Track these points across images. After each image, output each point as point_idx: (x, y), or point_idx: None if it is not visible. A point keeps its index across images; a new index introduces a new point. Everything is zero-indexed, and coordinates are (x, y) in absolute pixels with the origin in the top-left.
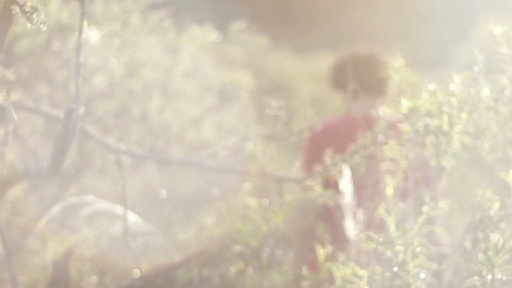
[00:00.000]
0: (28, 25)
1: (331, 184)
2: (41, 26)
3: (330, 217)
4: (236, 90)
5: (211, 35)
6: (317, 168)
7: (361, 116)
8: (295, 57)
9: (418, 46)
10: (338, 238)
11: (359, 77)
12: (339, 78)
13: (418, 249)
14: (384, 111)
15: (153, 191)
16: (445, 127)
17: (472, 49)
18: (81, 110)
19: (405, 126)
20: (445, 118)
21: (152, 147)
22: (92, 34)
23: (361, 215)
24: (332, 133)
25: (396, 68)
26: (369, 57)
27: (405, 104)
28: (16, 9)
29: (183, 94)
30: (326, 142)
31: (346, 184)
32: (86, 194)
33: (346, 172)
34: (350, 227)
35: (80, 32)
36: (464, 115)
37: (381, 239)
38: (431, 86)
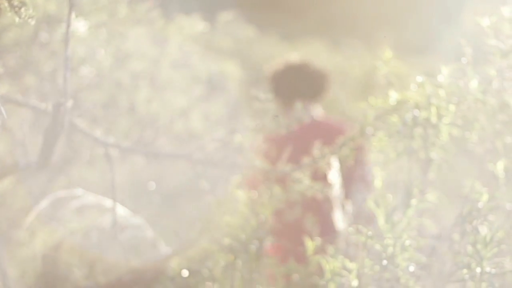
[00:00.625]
0: (16, 19)
1: (319, 176)
2: (29, 20)
3: (319, 209)
4: (224, 80)
5: (198, 25)
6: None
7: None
8: (282, 44)
9: (403, 32)
10: (327, 230)
11: (292, 86)
12: (274, 87)
13: (407, 242)
14: (319, 115)
15: (141, 183)
16: (434, 119)
17: (458, 37)
18: (70, 103)
19: (393, 118)
20: (433, 110)
21: (140, 138)
22: (79, 25)
23: (349, 207)
24: (278, 141)
25: (384, 59)
26: (300, 66)
27: (394, 96)
28: (4, 3)
29: (171, 84)
30: (274, 150)
31: (334, 176)
32: (74, 186)
33: (335, 164)
34: (339, 219)
35: (68, 25)
36: (452, 107)
37: (370, 233)
38: (419, 78)
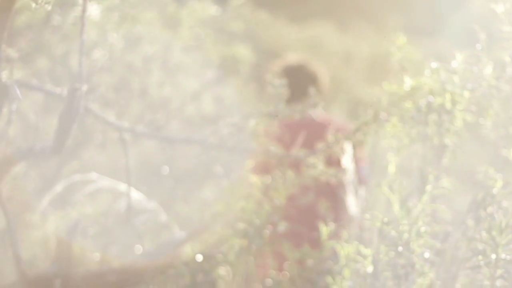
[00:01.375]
0: (33, 4)
1: (333, 162)
2: (46, 6)
3: (333, 194)
4: (236, 63)
5: (210, 8)
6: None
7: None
8: (290, 26)
9: (411, 14)
10: (340, 216)
11: (289, 86)
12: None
13: (422, 229)
14: (318, 115)
15: (154, 167)
16: (448, 105)
17: (466, 21)
18: (85, 88)
19: (407, 104)
20: (447, 96)
21: (151, 121)
22: (92, 9)
23: (363, 192)
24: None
25: (398, 45)
26: (297, 67)
27: (408, 81)
28: None
29: (183, 68)
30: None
31: (347, 161)
32: (86, 169)
33: (348, 150)
34: (352, 204)
35: (84, 9)
36: (466, 93)
37: (386, 219)
38: (433, 64)
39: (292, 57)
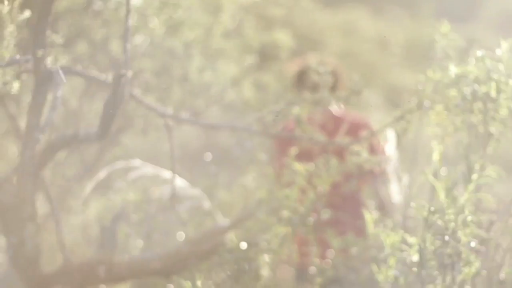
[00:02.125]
0: None
1: (375, 149)
2: None
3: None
4: (276, 49)
5: None
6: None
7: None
8: (324, 10)
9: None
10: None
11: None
12: (297, 84)
13: (469, 218)
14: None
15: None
16: (493, 94)
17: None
18: (129, 74)
19: (452, 92)
20: (493, 84)
21: (192, 107)
22: None
23: (406, 180)
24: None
25: (442, 32)
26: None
27: (453, 70)
28: None
29: (223, 53)
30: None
31: (391, 149)
32: (127, 155)
33: (391, 137)
34: (395, 192)
35: None
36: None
37: (432, 208)
38: (478, 52)
39: (313, 56)
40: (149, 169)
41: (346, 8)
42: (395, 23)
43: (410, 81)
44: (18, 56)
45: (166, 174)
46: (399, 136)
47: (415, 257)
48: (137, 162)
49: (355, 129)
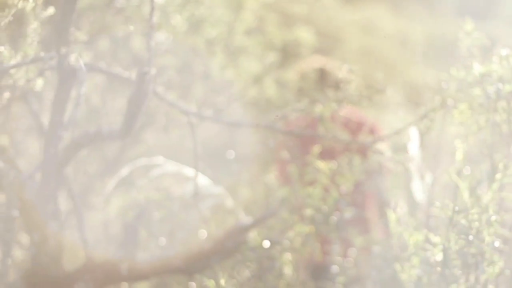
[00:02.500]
0: None
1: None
2: None
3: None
4: (298, 46)
5: None
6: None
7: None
8: (344, 7)
9: None
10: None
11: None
12: (300, 88)
13: (493, 217)
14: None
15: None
16: None
17: None
18: (153, 72)
19: (476, 91)
20: None
21: (214, 104)
22: None
23: (429, 178)
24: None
25: (466, 30)
26: (322, 70)
27: (477, 68)
28: None
29: (245, 51)
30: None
31: (414, 147)
32: (149, 152)
33: (415, 136)
34: (419, 191)
35: None
36: None
37: (457, 207)
38: (503, 51)
39: (318, 59)
40: (171, 166)
41: (365, 5)
42: (415, 20)
43: (431, 78)
44: (42, 53)
45: (189, 171)
46: (422, 135)
47: (439, 257)
48: (159, 159)
49: (359, 129)
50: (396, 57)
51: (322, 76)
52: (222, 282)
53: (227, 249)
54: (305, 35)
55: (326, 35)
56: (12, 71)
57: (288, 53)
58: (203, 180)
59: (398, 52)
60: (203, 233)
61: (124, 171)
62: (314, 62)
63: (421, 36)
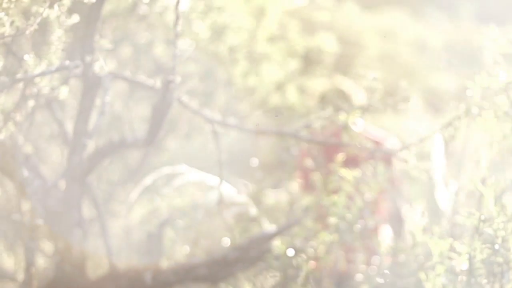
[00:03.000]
0: None
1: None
2: None
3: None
4: (320, 53)
5: None
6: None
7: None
8: (363, 13)
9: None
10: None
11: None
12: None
13: None
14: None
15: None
16: None
17: None
18: (178, 80)
19: (501, 99)
20: None
21: (236, 111)
22: None
23: (453, 186)
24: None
25: (492, 38)
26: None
27: (502, 76)
28: None
29: (267, 58)
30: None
31: (439, 155)
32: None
33: (439, 144)
34: (443, 199)
35: (178, 2)
36: None
37: (483, 216)
38: None
39: (335, 80)
40: (195, 174)
41: (385, 11)
42: (434, 25)
43: (450, 84)
44: (67, 62)
45: (212, 179)
46: (447, 143)
47: (464, 265)
48: (183, 167)
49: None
50: (415, 62)
51: (341, 97)
52: None
53: (251, 257)
54: (326, 41)
55: (347, 41)
56: (37, 79)
57: (310, 60)
58: (226, 188)
59: (417, 57)
60: (226, 241)
61: (148, 179)
62: (333, 83)
63: (441, 41)
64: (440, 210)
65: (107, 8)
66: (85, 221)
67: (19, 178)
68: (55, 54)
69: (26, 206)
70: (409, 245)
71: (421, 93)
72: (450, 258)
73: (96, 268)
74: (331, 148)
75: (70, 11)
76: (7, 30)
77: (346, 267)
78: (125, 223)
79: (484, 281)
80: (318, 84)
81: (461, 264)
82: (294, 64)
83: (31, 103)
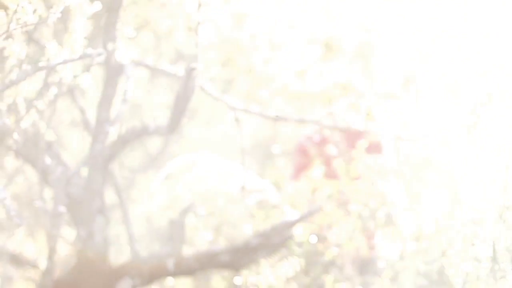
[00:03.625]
0: None
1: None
2: None
3: None
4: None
5: None
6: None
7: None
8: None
9: None
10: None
11: None
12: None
13: None
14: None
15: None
16: None
17: None
18: (200, 68)
19: None
20: None
21: (258, 98)
22: None
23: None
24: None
25: None
26: None
27: None
28: None
29: (288, 45)
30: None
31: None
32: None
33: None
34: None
35: None
36: None
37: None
38: None
39: None
40: (217, 161)
41: None
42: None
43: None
44: (90, 50)
45: (234, 166)
46: (469, 130)
47: (488, 252)
48: (205, 154)
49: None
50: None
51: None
52: (270, 277)
53: (274, 244)
54: (347, 29)
55: (368, 29)
56: (59, 67)
57: (331, 48)
58: (249, 175)
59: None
60: (249, 228)
61: (170, 166)
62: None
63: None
64: (463, 197)
65: None
66: (107, 208)
67: (41, 166)
68: (77, 42)
69: (48, 193)
70: (432, 231)
71: (440, 80)
72: (473, 245)
73: (118, 255)
74: (353, 134)
75: None
76: (30, 18)
77: (368, 253)
78: (147, 210)
79: (508, 267)
80: (339, 71)
81: (485, 250)
82: (315, 51)
83: (53, 91)
